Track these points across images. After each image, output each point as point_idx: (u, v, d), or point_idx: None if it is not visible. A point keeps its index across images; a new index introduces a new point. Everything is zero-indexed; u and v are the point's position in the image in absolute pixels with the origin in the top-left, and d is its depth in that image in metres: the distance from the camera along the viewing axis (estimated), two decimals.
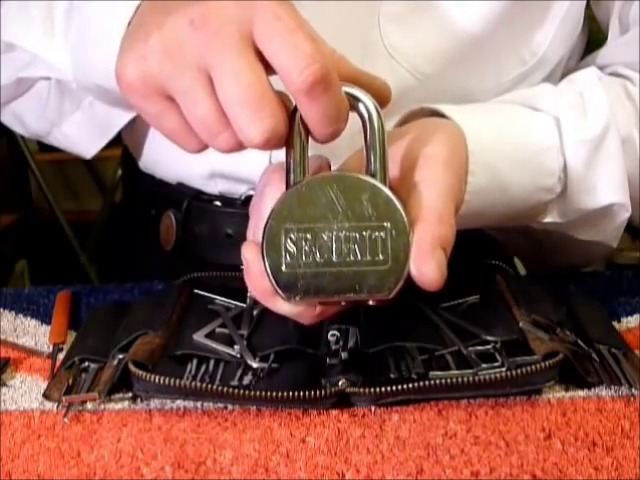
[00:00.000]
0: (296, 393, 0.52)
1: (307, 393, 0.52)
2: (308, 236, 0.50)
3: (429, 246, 0.50)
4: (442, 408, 0.52)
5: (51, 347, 0.62)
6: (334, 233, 0.50)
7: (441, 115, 0.62)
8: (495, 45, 0.71)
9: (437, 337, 0.58)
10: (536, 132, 0.65)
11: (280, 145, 0.49)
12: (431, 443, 0.49)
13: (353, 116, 0.51)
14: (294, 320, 0.54)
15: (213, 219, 0.76)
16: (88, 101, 0.75)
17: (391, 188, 0.51)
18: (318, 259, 0.50)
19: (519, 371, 0.52)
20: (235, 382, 0.54)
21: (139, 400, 0.55)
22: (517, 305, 0.61)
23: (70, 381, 0.56)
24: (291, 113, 0.49)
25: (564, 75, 0.73)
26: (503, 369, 0.53)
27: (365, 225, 0.50)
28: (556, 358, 0.53)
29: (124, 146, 0.87)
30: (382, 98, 0.53)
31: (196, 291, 0.66)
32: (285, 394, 0.52)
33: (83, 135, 0.78)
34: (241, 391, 0.52)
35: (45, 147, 0.83)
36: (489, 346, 0.56)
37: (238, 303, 0.63)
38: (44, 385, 0.57)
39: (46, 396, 0.55)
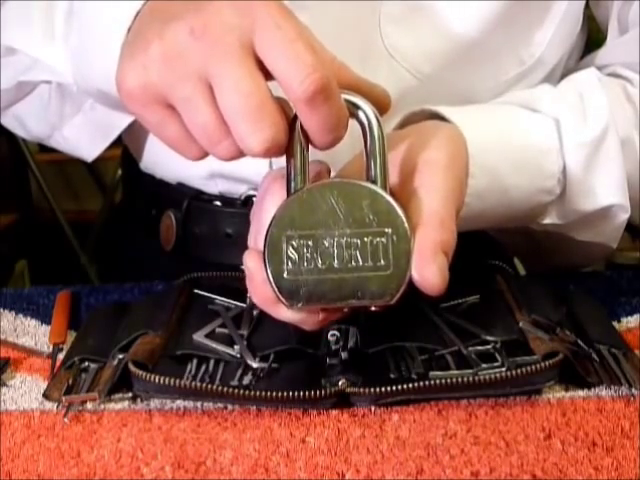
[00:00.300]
0: (296, 393, 0.52)
1: (307, 393, 0.52)
2: (309, 243, 0.50)
3: (430, 251, 0.50)
4: (442, 408, 0.52)
5: (51, 347, 0.62)
6: (335, 240, 0.50)
7: (441, 117, 0.62)
8: (494, 45, 0.71)
9: (437, 337, 0.58)
10: (536, 134, 0.65)
11: (280, 153, 0.50)
12: (431, 443, 0.49)
13: (354, 122, 0.51)
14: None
15: (213, 219, 0.76)
16: (89, 104, 0.75)
17: (391, 194, 0.51)
18: (320, 266, 0.50)
19: (519, 371, 0.52)
20: (235, 382, 0.54)
21: (139, 400, 0.55)
22: (517, 305, 0.61)
23: (70, 381, 0.56)
24: (291, 121, 0.49)
25: (564, 75, 0.73)
26: (503, 369, 0.53)
27: (366, 231, 0.50)
28: (556, 358, 0.53)
29: (124, 146, 0.87)
30: (382, 105, 0.53)
31: (196, 291, 0.66)
32: (285, 394, 0.52)
33: (84, 138, 0.78)
34: (241, 391, 0.52)
35: (45, 147, 0.83)
36: (489, 346, 0.56)
37: (238, 303, 0.64)
38: (44, 385, 0.57)
39: (46, 396, 0.55)
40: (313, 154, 0.52)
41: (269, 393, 0.52)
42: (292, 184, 0.51)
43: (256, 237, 0.52)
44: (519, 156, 0.63)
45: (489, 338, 0.57)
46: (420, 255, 0.50)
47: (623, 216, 0.68)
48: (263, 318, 0.61)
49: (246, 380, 0.54)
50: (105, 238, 1.79)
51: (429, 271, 0.49)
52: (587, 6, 0.76)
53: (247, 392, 0.52)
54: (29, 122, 0.78)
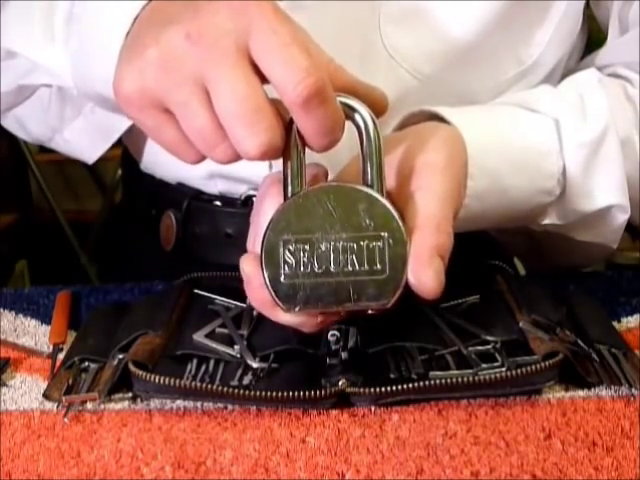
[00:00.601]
0: (296, 393, 0.52)
1: (307, 393, 0.52)
2: (306, 247, 0.50)
3: (427, 255, 0.50)
4: (442, 408, 0.52)
5: (51, 347, 0.62)
6: (332, 243, 0.50)
7: (440, 118, 0.62)
8: (493, 45, 0.71)
9: (437, 337, 0.58)
10: (536, 135, 0.65)
11: (277, 156, 0.50)
12: (431, 443, 0.49)
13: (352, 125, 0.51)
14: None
15: (213, 219, 0.76)
16: (89, 107, 0.75)
17: (388, 197, 0.51)
18: (316, 270, 0.50)
19: (519, 371, 0.52)
20: (235, 382, 0.54)
21: (139, 400, 0.55)
22: (517, 305, 0.61)
23: (70, 381, 0.56)
24: (287, 124, 0.49)
25: (564, 75, 0.73)
26: (503, 369, 0.53)
27: (362, 235, 0.50)
28: (556, 358, 0.53)
29: (124, 146, 0.87)
30: (379, 108, 0.53)
31: (196, 291, 0.66)
32: (285, 394, 0.52)
33: (85, 141, 0.78)
34: (241, 391, 0.52)
35: (45, 147, 0.83)
36: (489, 346, 0.56)
37: (238, 303, 0.63)
38: (44, 385, 0.57)
39: (46, 396, 0.55)
40: (312, 156, 0.52)
41: (269, 393, 0.52)
42: (289, 187, 0.51)
43: (255, 240, 0.53)
44: (519, 157, 0.63)
45: (489, 338, 0.57)
46: (416, 259, 0.50)
47: (623, 217, 0.68)
48: (263, 318, 0.61)
49: (246, 380, 0.54)
50: (105, 238, 1.79)
51: (425, 275, 0.50)
52: (587, 6, 0.76)
53: (247, 392, 0.52)
54: (30, 125, 0.79)
